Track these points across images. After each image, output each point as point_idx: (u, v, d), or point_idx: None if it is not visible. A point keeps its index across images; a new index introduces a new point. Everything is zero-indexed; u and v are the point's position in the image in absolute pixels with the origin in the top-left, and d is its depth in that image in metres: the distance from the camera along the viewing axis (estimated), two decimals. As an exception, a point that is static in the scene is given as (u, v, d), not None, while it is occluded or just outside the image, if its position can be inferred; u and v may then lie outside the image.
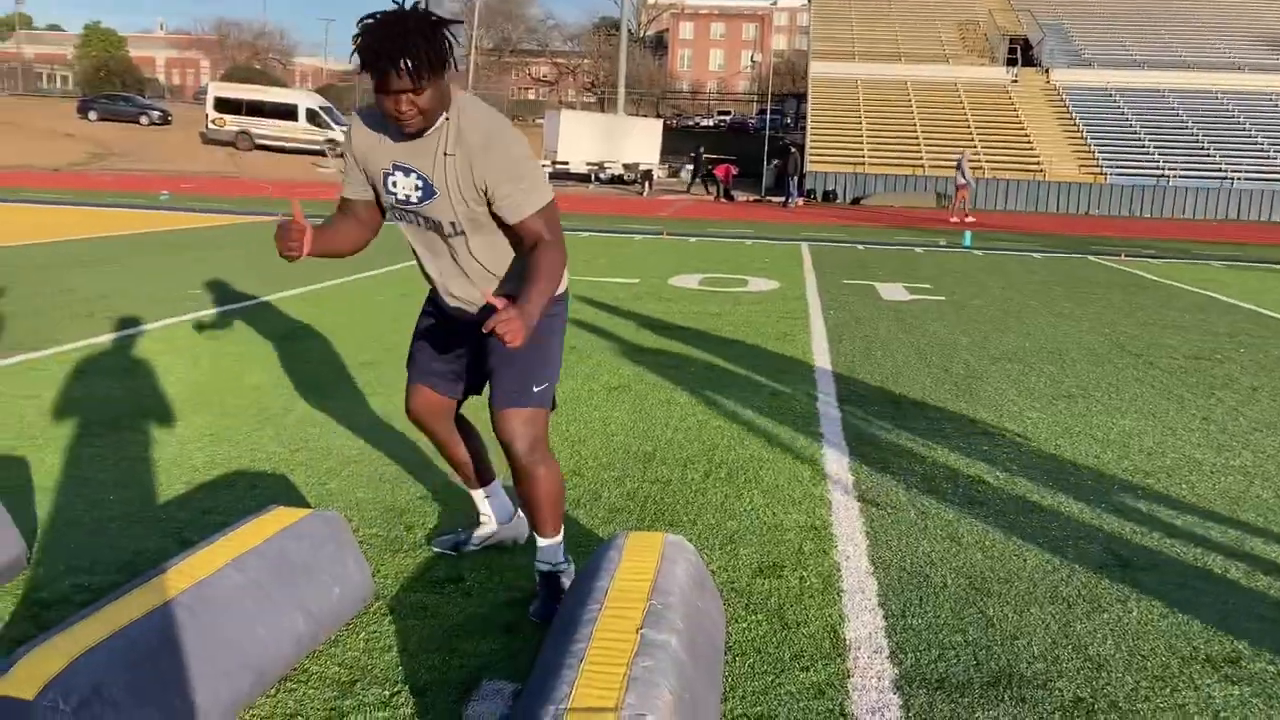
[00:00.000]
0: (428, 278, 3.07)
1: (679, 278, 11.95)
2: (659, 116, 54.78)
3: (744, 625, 3.03)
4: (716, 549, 3.62)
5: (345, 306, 8.73)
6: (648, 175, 37.05)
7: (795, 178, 32.08)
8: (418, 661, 2.74)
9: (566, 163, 37.14)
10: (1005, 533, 3.88)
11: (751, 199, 34.15)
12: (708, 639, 2.62)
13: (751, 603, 3.19)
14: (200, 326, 7.54)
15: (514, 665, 2.73)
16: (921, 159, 35.48)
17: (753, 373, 6.63)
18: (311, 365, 6.36)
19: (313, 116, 42.97)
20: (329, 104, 45.92)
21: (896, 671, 2.78)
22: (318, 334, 7.41)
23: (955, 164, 27.69)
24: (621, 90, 46.74)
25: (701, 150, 36.66)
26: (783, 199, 32.17)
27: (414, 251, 3.03)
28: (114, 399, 5.38)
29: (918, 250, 17.11)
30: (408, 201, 2.85)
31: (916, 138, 36.92)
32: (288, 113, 43.00)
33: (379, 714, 2.48)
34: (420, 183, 2.80)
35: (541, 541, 3.09)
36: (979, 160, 33.58)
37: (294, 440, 4.76)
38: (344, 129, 42.44)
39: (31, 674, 2.09)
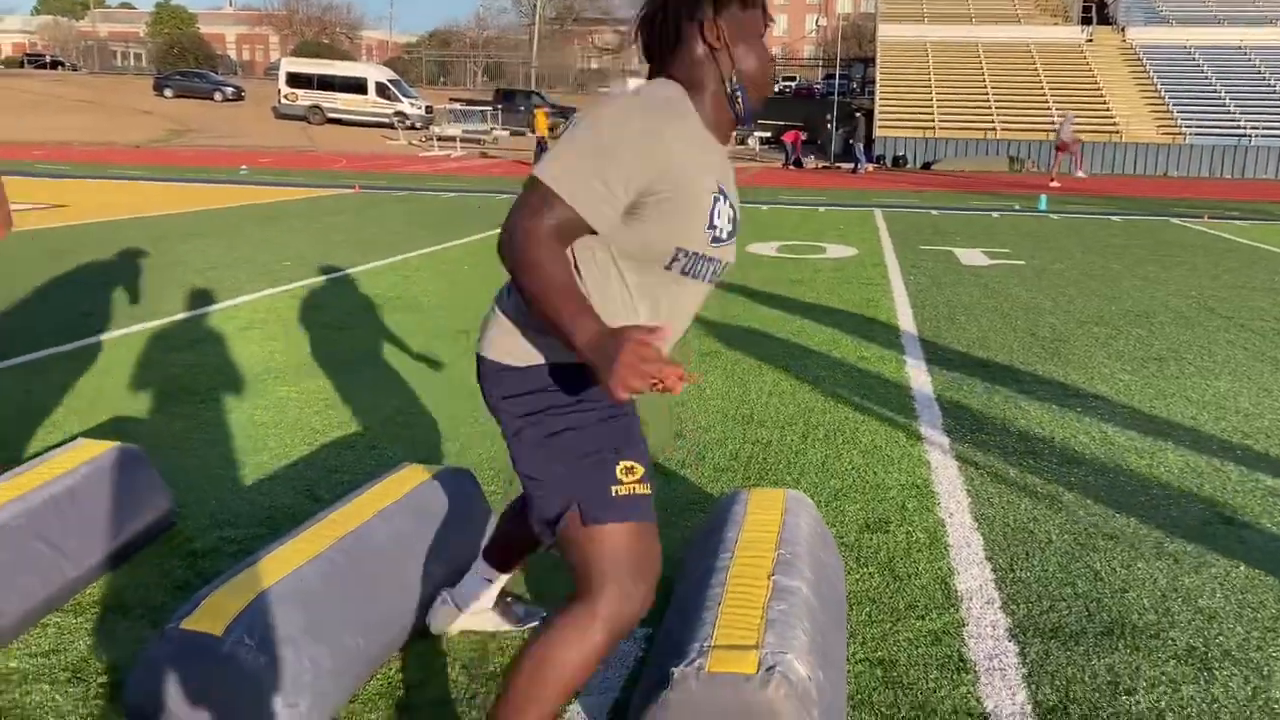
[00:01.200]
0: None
1: (755, 245, 11.98)
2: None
3: (857, 577, 3.15)
4: (822, 506, 3.73)
5: (433, 276, 8.94)
6: (715, 143, 36.87)
7: (861, 143, 31.81)
8: (551, 606, 2.89)
9: (633, 132, 37.16)
10: (1106, 491, 3.93)
11: (821, 165, 33.88)
12: (831, 587, 2.73)
13: (862, 556, 3.30)
14: (300, 296, 7.79)
15: (641, 612, 2.87)
16: (993, 122, 34.87)
17: (839, 337, 6.70)
18: (411, 332, 6.56)
19: (382, 90, 43.38)
20: (397, 76, 46.31)
21: (1010, 621, 2.88)
22: (411, 302, 7.61)
23: (1056, 128, 27.36)
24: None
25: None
26: (852, 165, 31.88)
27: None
28: (230, 365, 5.62)
29: (994, 215, 16.92)
30: (718, 240, 1.96)
31: (988, 101, 36.27)
32: (357, 86, 43.46)
33: (522, 655, 2.64)
34: (733, 210, 1.99)
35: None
36: (1056, 123, 32.95)
37: (404, 403, 4.95)
38: (413, 101, 42.84)
39: (217, 612, 2.27)
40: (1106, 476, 4.10)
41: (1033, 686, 2.54)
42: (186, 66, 57.71)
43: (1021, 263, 10.77)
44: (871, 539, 3.44)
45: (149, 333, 6.40)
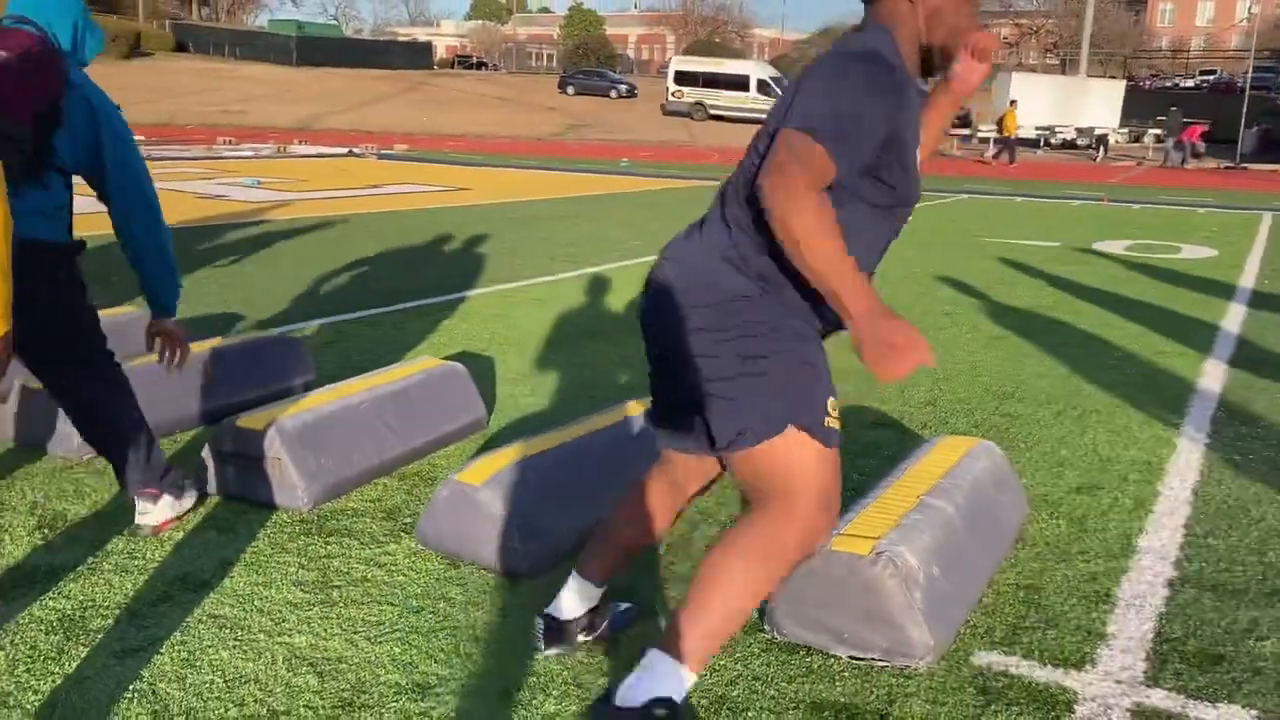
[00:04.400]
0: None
1: (1104, 242, 11.63)
2: (1128, 78, 51.05)
3: (1043, 525, 3.43)
4: (1042, 470, 3.98)
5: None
6: (1102, 140, 34.89)
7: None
8: (755, 516, 3.44)
9: (1014, 128, 35.91)
10: (1357, 486, 3.86)
11: (1223, 165, 31.11)
12: (992, 520, 3.08)
13: (1058, 511, 3.56)
14: (641, 270, 8.72)
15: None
16: None
17: (1145, 332, 6.62)
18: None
19: (763, 86, 44.69)
20: (779, 74, 47.49)
21: (1174, 574, 3.07)
22: (733, 280, 8.31)
23: None
24: (1085, 50, 44.03)
25: (1176, 111, 33.13)
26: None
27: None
28: (564, 322, 6.57)
29: None
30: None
31: None
32: (740, 83, 45.08)
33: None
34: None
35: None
36: None
37: (695, 359, 5.64)
38: None
39: (481, 470, 3.04)
40: (1368, 474, 4.00)
41: (1164, 621, 2.77)
42: (588, 66, 62.20)
43: None
44: (1077, 498, 3.68)
45: (506, 292, 7.54)
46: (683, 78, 46.47)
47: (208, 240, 9.76)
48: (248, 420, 3.44)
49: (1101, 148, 34.53)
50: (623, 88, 53.02)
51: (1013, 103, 30.59)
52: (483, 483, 2.98)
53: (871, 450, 4.15)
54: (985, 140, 33.97)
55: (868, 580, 2.51)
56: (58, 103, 2.78)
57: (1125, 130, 37.80)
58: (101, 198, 3.01)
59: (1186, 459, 4.14)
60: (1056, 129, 36.90)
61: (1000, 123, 30.35)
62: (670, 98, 46.53)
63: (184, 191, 14.37)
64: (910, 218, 2.26)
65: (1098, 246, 11.26)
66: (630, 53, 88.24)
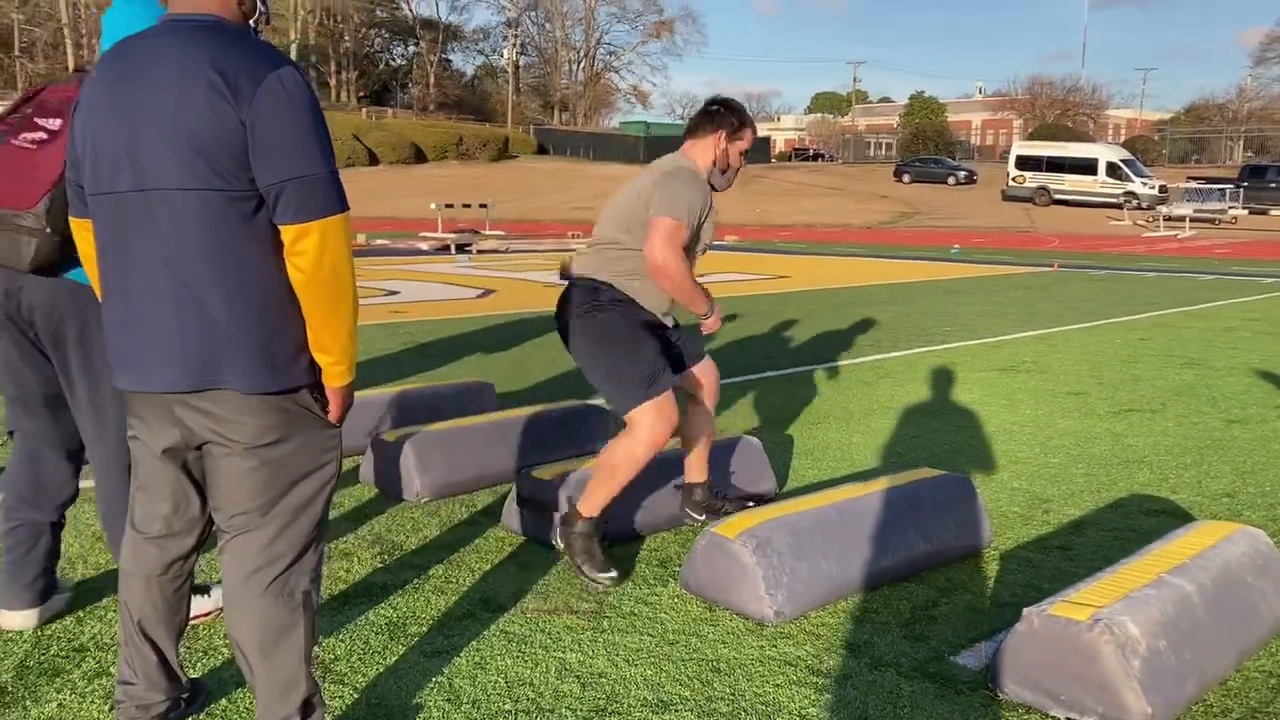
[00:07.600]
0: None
1: None
2: None
3: (1317, 620, 3.30)
4: (1336, 566, 3.78)
5: (1072, 347, 9.35)
6: None
7: None
8: (1003, 587, 3.55)
9: None
10: None
11: None
12: (1244, 605, 3.04)
13: (1341, 608, 3.40)
14: (940, 356, 8.79)
15: (1082, 605, 3.40)
16: None
17: None
18: (1018, 389, 7.20)
19: (1112, 169, 42.63)
20: (1131, 156, 45.08)
21: None
22: (1037, 367, 8.20)
23: None
24: None
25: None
26: None
27: None
28: (856, 399, 6.81)
29: None
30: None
31: None
32: (1087, 167, 43.22)
33: (967, 600, 3.37)
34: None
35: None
36: None
37: (976, 444, 5.71)
38: (1145, 181, 41.21)
39: (735, 526, 3.39)
40: None
41: None
42: (926, 154, 61.77)
43: None
44: (1367, 598, 3.49)
45: (801, 374, 7.88)
46: (1024, 162, 45.18)
47: (542, 326, 10.81)
48: (538, 471, 4.00)
49: None
50: (961, 174, 52.21)
51: None
52: (736, 535, 3.33)
53: (1146, 537, 4.10)
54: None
55: (1083, 645, 2.62)
56: None
57: None
58: None
59: None
60: None
61: None
62: (1011, 183, 45.33)
63: (533, 280, 15.86)
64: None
65: None
66: (974, 138, 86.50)
